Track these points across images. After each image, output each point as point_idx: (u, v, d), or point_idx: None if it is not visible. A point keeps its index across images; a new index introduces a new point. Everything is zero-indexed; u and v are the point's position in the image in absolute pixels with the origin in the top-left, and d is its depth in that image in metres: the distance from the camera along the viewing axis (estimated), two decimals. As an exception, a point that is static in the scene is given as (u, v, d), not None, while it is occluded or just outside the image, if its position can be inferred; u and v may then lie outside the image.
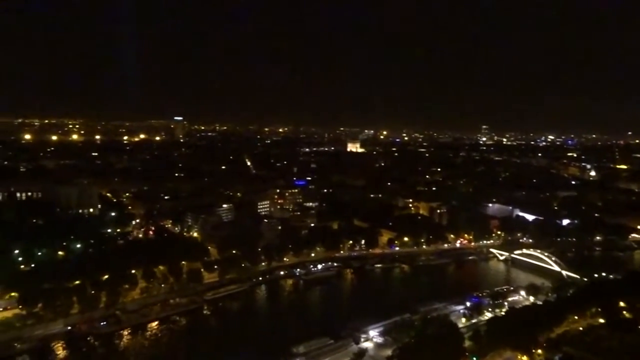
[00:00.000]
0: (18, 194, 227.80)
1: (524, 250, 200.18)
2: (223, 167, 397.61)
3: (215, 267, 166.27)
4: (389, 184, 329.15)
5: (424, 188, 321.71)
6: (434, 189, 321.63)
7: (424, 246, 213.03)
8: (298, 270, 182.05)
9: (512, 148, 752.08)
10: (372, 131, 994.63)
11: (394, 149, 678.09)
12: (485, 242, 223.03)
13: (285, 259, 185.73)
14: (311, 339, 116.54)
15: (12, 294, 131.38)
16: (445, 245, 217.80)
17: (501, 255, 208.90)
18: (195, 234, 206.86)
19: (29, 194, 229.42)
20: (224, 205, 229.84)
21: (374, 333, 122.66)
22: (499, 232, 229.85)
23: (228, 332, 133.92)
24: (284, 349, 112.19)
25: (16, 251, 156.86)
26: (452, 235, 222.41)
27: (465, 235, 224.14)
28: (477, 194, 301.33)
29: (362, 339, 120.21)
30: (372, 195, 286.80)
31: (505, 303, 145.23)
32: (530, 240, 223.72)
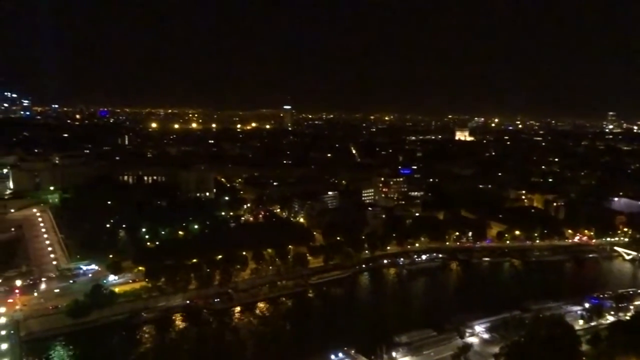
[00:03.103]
0: (145, 178, 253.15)
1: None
2: (329, 155, 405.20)
3: (320, 252, 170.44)
4: (499, 174, 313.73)
5: (538, 179, 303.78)
6: (550, 180, 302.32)
7: (538, 241, 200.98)
8: (401, 259, 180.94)
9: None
10: (482, 119, 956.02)
11: (506, 137, 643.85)
12: (608, 239, 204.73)
13: (388, 247, 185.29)
14: (414, 330, 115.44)
15: (140, 268, 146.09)
16: (562, 241, 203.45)
17: (628, 254, 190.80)
18: (301, 220, 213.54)
19: (155, 177, 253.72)
20: (330, 192, 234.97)
21: (480, 328, 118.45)
22: (625, 229, 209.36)
23: (331, 316, 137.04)
24: (387, 338, 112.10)
25: (143, 229, 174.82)
26: (569, 231, 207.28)
27: (586, 231, 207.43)
28: (600, 187, 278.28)
29: (468, 334, 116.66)
30: (481, 186, 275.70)
31: (631, 307, 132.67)
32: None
